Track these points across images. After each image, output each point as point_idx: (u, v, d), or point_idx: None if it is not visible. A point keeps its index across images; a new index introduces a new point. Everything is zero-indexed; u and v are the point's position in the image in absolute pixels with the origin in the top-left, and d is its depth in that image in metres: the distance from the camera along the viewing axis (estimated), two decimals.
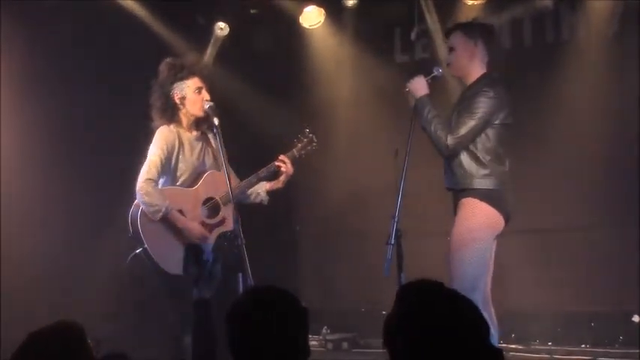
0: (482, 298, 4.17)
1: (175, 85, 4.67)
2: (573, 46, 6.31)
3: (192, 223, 4.57)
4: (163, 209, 4.49)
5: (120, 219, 5.49)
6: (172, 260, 4.52)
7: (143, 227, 4.54)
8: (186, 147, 4.71)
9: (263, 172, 4.82)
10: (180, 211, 4.59)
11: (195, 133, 4.74)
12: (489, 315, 4.18)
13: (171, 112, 4.69)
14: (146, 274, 4.74)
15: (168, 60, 4.77)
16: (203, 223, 4.62)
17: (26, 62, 5.90)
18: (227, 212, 4.59)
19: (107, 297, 6.11)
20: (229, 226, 4.54)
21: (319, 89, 7.07)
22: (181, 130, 4.72)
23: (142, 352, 5.72)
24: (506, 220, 4.22)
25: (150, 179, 4.52)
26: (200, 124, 4.73)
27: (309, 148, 4.98)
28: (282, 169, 4.84)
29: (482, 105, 4.17)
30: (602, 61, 6.06)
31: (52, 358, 2.40)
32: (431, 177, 5.67)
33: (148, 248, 4.52)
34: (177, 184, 4.67)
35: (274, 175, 4.89)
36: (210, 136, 4.78)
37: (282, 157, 4.86)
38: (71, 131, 6.25)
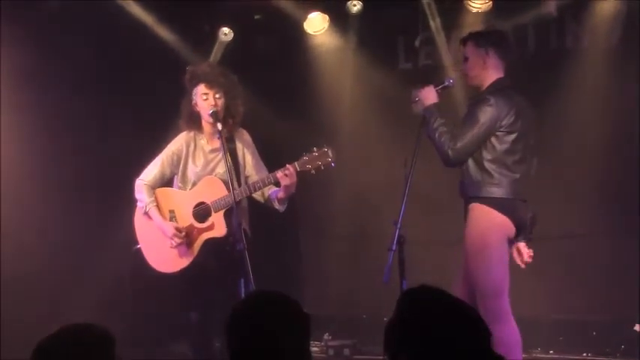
0: None
1: (193, 93, 4.71)
2: (577, 53, 6.32)
3: (166, 223, 4.64)
4: (144, 205, 4.68)
5: (118, 220, 5.49)
6: (158, 257, 4.71)
7: (138, 223, 4.78)
8: (198, 156, 4.73)
9: (258, 183, 4.54)
10: (172, 212, 4.68)
11: (217, 142, 4.61)
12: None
13: (192, 119, 4.73)
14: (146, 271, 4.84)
15: (187, 68, 4.82)
16: (191, 227, 4.62)
17: (26, 66, 5.88)
18: (217, 218, 4.54)
19: (108, 298, 6.10)
20: (218, 232, 4.54)
21: (322, 95, 7.06)
22: (199, 138, 4.75)
23: (144, 354, 5.74)
24: (519, 226, 4.17)
25: (141, 179, 4.74)
26: (216, 131, 4.59)
27: (318, 162, 4.42)
28: (281, 180, 4.47)
29: (482, 113, 4.16)
30: (605, 67, 6.06)
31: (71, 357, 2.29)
32: (436, 185, 5.70)
33: (140, 245, 4.76)
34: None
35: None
36: (237, 143, 4.73)
37: (288, 166, 4.47)
38: (71, 133, 6.26)
